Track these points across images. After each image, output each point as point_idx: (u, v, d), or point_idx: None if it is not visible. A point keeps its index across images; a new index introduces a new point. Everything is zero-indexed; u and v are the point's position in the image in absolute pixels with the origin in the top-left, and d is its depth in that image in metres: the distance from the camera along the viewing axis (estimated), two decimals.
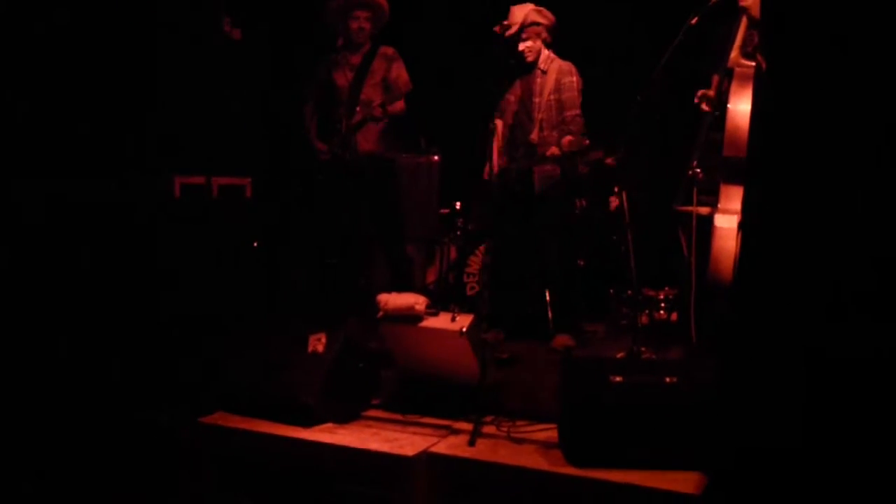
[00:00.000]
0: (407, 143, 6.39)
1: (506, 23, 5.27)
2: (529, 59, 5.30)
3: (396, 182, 5.93)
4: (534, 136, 5.29)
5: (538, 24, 5.28)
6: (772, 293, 2.56)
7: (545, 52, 5.35)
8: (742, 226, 3.43)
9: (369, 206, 5.68)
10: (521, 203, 5.31)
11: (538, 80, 5.34)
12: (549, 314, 5.47)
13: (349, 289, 5.70)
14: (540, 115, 5.30)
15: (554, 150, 5.15)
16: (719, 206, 3.91)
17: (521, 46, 5.26)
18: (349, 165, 5.58)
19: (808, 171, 2.51)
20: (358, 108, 5.51)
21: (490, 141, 5.35)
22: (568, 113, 5.29)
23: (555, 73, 5.31)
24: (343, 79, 5.67)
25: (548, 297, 5.52)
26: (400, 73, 5.65)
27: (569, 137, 5.15)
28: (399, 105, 5.62)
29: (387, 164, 5.77)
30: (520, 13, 5.28)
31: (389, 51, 5.69)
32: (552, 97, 5.30)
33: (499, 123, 5.52)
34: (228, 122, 5.79)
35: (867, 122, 2.44)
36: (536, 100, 5.32)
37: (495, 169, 5.40)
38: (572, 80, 5.32)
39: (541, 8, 5.31)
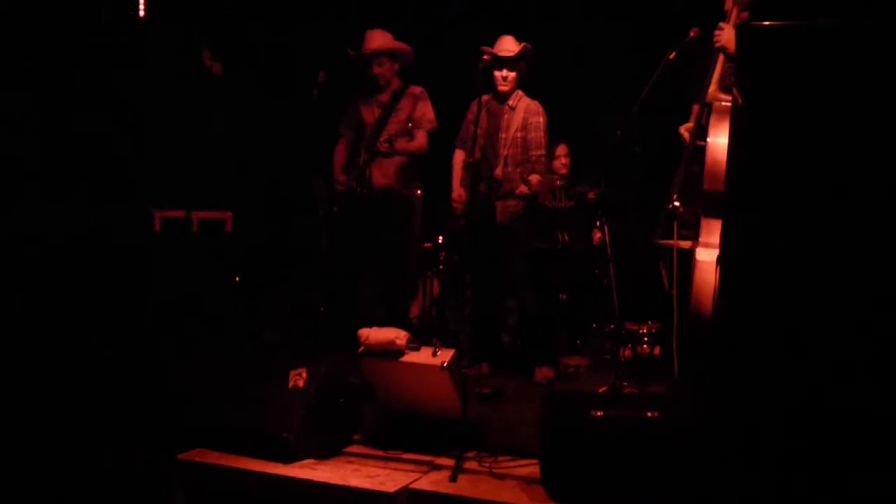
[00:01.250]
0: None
1: (499, 48, 5.31)
2: (504, 89, 5.34)
3: (409, 218, 5.92)
4: (498, 171, 5.33)
5: (522, 59, 5.33)
6: (749, 327, 2.55)
7: (516, 90, 5.41)
8: (720, 259, 3.43)
9: (377, 239, 5.69)
10: (485, 237, 5.32)
11: (506, 115, 5.40)
12: (530, 348, 5.48)
13: (332, 324, 5.68)
14: (505, 152, 5.35)
15: (523, 188, 5.19)
16: (700, 239, 3.92)
17: (498, 75, 5.31)
18: (362, 199, 5.63)
19: (784, 205, 2.52)
20: (381, 139, 5.60)
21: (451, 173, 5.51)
22: (534, 153, 5.37)
23: (522, 111, 5.39)
24: (370, 115, 5.80)
25: (526, 332, 5.54)
26: (425, 111, 5.73)
27: (536, 176, 5.19)
28: (419, 142, 5.68)
29: (399, 200, 5.79)
30: (516, 44, 5.36)
31: (417, 90, 5.78)
32: (518, 134, 5.38)
33: (459, 153, 5.58)
34: (209, 156, 5.80)
35: (842, 157, 2.46)
36: (503, 135, 5.38)
37: (460, 198, 5.42)
38: (539, 119, 5.39)
39: (527, 44, 5.36)
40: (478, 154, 5.32)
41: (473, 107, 5.45)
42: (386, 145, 5.53)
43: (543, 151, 5.41)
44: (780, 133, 2.53)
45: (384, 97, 5.79)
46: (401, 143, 5.60)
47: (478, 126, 5.02)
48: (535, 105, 5.42)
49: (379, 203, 5.67)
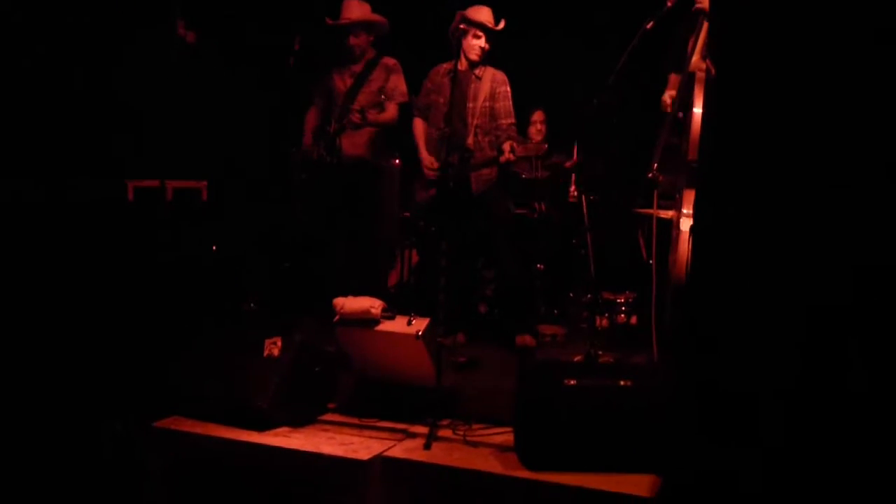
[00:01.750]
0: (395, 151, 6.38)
1: (478, 19, 5.29)
2: (474, 58, 5.33)
3: (378, 188, 5.93)
4: (469, 140, 5.31)
5: (492, 30, 5.32)
6: (719, 295, 2.56)
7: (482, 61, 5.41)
8: (693, 229, 3.44)
9: (348, 209, 5.67)
10: (460, 205, 5.32)
11: (472, 85, 5.38)
12: (507, 317, 5.50)
13: (306, 292, 5.68)
14: (475, 122, 5.33)
15: (509, 156, 5.15)
16: (683, 209, 3.91)
17: (475, 44, 5.28)
18: (331, 168, 5.63)
19: (757, 175, 2.52)
20: (353, 109, 5.58)
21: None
22: (504, 121, 5.38)
23: (489, 80, 5.40)
24: (342, 84, 5.78)
25: (504, 301, 5.55)
26: (397, 84, 5.72)
27: (509, 142, 5.16)
28: (389, 114, 5.67)
29: (369, 170, 5.81)
30: (481, 14, 5.32)
31: (391, 62, 5.77)
32: (486, 104, 5.38)
33: (419, 122, 5.56)
34: (183, 124, 5.75)
35: (817, 127, 2.46)
36: (470, 104, 5.36)
37: (432, 164, 5.42)
38: (506, 89, 5.42)
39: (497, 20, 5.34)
40: (441, 123, 5.32)
41: (433, 75, 5.54)
42: (357, 116, 5.52)
43: (514, 120, 5.41)
44: (753, 103, 2.53)
45: (357, 67, 5.78)
46: (371, 115, 5.59)
47: (453, 96, 5.00)
48: (501, 75, 5.44)
49: (348, 173, 5.67)
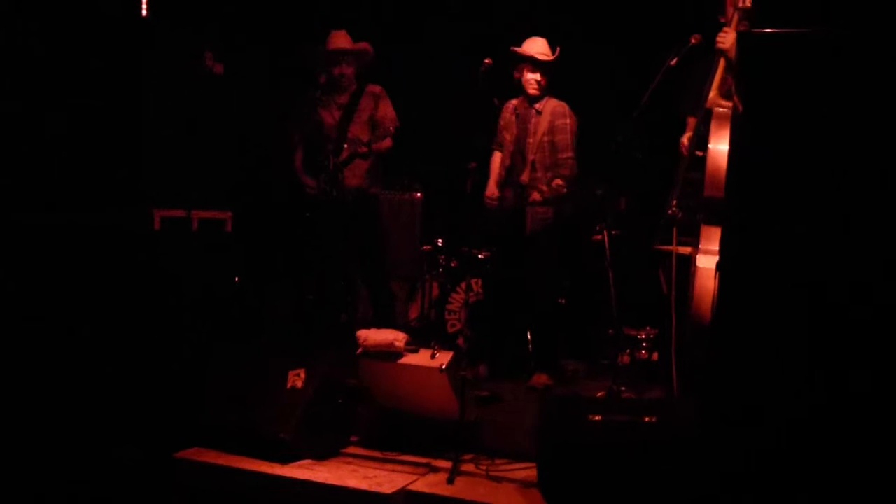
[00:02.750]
0: (391, 180, 6.41)
1: (528, 53, 5.24)
2: (532, 93, 5.29)
3: (380, 217, 5.94)
4: (524, 176, 5.26)
5: (547, 63, 5.28)
6: (747, 334, 2.56)
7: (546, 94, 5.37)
8: (719, 266, 3.44)
9: (355, 241, 5.68)
10: (511, 243, 5.30)
11: (533, 119, 5.32)
12: (531, 352, 5.47)
13: (329, 325, 5.68)
14: (532, 157, 5.28)
15: (535, 195, 5.13)
16: (701, 246, 3.91)
17: (530, 78, 5.25)
18: (336, 201, 5.59)
19: (784, 214, 2.53)
20: (346, 146, 5.54)
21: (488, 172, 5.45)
22: (561, 155, 5.26)
23: (549, 113, 5.29)
24: (330, 118, 5.71)
25: (530, 336, 5.52)
26: (387, 111, 5.69)
27: (557, 181, 5.13)
28: (386, 142, 5.63)
29: (372, 200, 5.80)
30: (534, 46, 5.28)
31: (377, 89, 5.73)
32: (545, 138, 5.27)
33: (497, 156, 5.55)
34: (210, 156, 5.81)
35: (842, 165, 2.47)
36: (530, 140, 5.29)
37: (493, 196, 5.41)
38: (566, 122, 5.29)
39: (553, 48, 5.31)
40: (507, 160, 5.32)
41: (503, 112, 5.46)
42: (366, 148, 5.48)
43: (571, 153, 5.28)
44: (780, 141, 2.54)
45: (343, 98, 5.71)
46: (376, 146, 5.56)
47: (506, 131, 4.98)
48: (562, 107, 5.32)
49: (352, 204, 5.62)
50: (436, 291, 6.39)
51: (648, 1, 6.35)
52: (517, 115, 5.31)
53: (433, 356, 4.14)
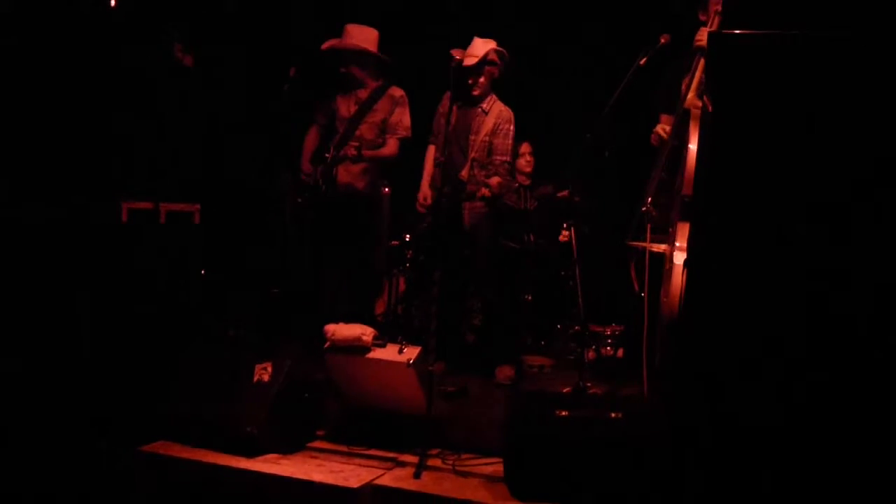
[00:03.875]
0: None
1: (467, 53, 5.25)
2: (476, 93, 5.32)
3: (366, 218, 5.82)
4: (464, 173, 5.30)
5: (495, 63, 5.31)
6: (713, 330, 2.59)
7: (490, 93, 5.39)
8: (687, 264, 3.47)
9: (337, 238, 5.65)
10: (451, 237, 5.32)
11: (478, 118, 5.35)
12: (492, 347, 5.50)
13: (297, 318, 5.66)
14: (473, 154, 5.32)
15: (485, 191, 5.17)
16: (677, 244, 3.93)
17: (472, 81, 5.27)
18: (324, 197, 5.54)
19: (750, 213, 2.56)
20: (350, 143, 5.48)
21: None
22: (498, 157, 5.33)
23: (494, 116, 5.35)
24: (346, 111, 5.64)
25: (489, 331, 5.55)
26: (401, 118, 5.59)
27: (497, 178, 5.19)
28: (389, 149, 5.58)
29: (362, 200, 5.68)
30: (482, 48, 5.28)
31: (398, 93, 5.63)
32: (487, 138, 5.33)
33: (431, 150, 5.56)
34: (179, 147, 5.75)
35: (809, 165, 2.50)
36: (472, 137, 5.33)
37: (425, 200, 5.43)
38: (510, 127, 5.35)
39: (502, 49, 5.33)
40: (441, 155, 5.31)
41: (445, 100, 5.40)
42: (354, 153, 5.42)
43: (509, 158, 5.37)
44: (747, 140, 2.57)
45: (363, 93, 5.62)
46: (369, 152, 5.50)
47: (448, 125, 5.00)
48: (507, 112, 5.37)
49: (342, 203, 5.56)
50: (402, 286, 6.39)
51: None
52: (459, 109, 5.31)
53: (400, 351, 4.14)
